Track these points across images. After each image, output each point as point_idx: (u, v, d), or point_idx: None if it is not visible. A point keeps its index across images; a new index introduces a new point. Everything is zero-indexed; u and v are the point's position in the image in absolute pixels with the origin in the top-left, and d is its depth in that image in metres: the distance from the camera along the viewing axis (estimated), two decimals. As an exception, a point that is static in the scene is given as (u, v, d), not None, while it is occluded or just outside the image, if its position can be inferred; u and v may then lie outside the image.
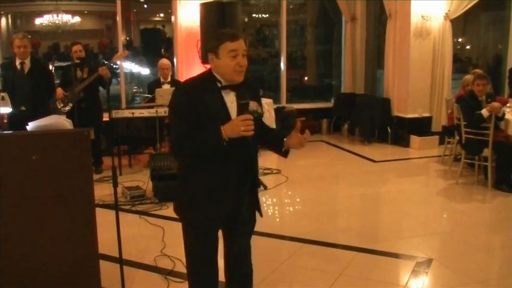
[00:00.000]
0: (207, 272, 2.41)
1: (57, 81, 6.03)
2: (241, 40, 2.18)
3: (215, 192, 2.23)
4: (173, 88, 6.27)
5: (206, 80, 2.23)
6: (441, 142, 7.22)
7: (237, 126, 2.10)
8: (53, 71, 5.82)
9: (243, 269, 2.51)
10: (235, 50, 2.14)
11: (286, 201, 5.37)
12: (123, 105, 7.76)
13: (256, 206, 2.42)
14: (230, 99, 2.21)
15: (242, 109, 2.15)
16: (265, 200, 5.21)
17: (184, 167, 2.33)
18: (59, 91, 5.81)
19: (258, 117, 2.21)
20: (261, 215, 2.45)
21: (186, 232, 2.37)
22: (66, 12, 11.42)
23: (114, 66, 7.87)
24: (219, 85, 2.20)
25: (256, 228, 2.51)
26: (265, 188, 5.45)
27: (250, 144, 2.26)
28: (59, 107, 5.77)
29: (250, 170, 2.30)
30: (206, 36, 4.91)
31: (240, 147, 2.20)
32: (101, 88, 6.10)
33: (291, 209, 5.06)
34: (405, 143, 7.62)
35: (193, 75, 2.36)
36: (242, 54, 2.16)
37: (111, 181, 2.91)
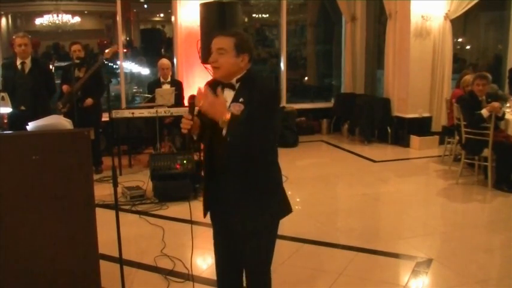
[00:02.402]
0: (219, 273, 2.45)
1: (57, 81, 6.03)
2: (218, 37, 2.19)
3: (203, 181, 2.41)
4: (173, 88, 6.37)
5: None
6: (441, 142, 7.22)
7: None
8: (53, 71, 5.83)
9: (247, 272, 2.36)
10: (211, 47, 2.21)
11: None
12: (123, 105, 7.76)
13: (242, 216, 2.22)
14: (226, 97, 2.20)
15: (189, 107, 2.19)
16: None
17: None
18: (65, 87, 5.79)
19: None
20: (244, 227, 2.24)
21: None
22: (66, 12, 11.42)
23: (114, 66, 7.88)
24: (225, 83, 2.22)
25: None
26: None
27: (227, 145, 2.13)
28: (59, 109, 5.78)
29: (228, 169, 2.19)
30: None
31: (220, 145, 2.17)
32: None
33: (291, 209, 5.05)
34: (405, 143, 7.62)
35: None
36: (215, 51, 2.18)
37: (111, 181, 2.91)
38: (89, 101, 5.86)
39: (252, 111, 2.07)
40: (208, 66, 4.89)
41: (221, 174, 2.23)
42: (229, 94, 2.21)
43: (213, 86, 2.29)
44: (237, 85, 2.21)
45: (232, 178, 2.19)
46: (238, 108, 2.12)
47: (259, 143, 2.10)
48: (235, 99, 2.17)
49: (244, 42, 2.20)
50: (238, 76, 2.21)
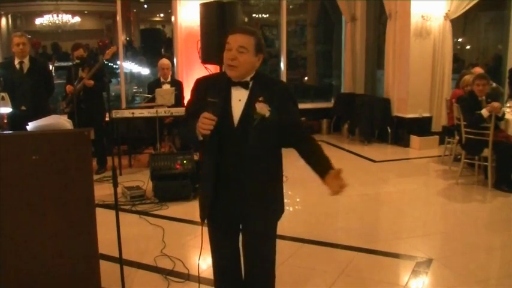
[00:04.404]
0: (221, 272, 2.42)
1: (58, 81, 6.02)
2: (238, 35, 2.12)
3: (203, 183, 2.30)
4: (173, 88, 6.37)
5: (220, 75, 2.23)
6: (441, 142, 7.22)
7: (199, 123, 2.06)
8: (53, 71, 5.82)
9: (254, 272, 2.36)
10: (228, 43, 2.14)
11: (286, 201, 5.35)
12: (123, 105, 7.76)
13: (256, 209, 2.24)
14: (238, 96, 2.18)
15: (207, 106, 2.07)
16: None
17: None
18: (69, 88, 5.81)
19: (262, 121, 2.13)
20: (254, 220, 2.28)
21: None
22: (66, 12, 11.42)
23: (114, 66, 7.88)
24: (233, 81, 2.18)
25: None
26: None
27: (249, 143, 2.14)
28: (62, 108, 5.79)
29: (243, 170, 2.18)
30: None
31: (231, 145, 2.16)
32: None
33: (291, 209, 5.06)
34: (405, 143, 7.62)
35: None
36: (236, 49, 2.11)
37: (111, 181, 2.91)
38: (90, 82, 5.79)
39: (297, 121, 2.40)
40: (209, 66, 4.90)
41: (232, 177, 2.19)
42: (241, 92, 2.17)
43: (207, 84, 2.24)
44: (251, 83, 2.18)
45: (248, 178, 2.18)
46: (265, 107, 2.13)
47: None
48: (253, 99, 2.15)
49: (262, 42, 2.18)
50: (252, 75, 2.19)
